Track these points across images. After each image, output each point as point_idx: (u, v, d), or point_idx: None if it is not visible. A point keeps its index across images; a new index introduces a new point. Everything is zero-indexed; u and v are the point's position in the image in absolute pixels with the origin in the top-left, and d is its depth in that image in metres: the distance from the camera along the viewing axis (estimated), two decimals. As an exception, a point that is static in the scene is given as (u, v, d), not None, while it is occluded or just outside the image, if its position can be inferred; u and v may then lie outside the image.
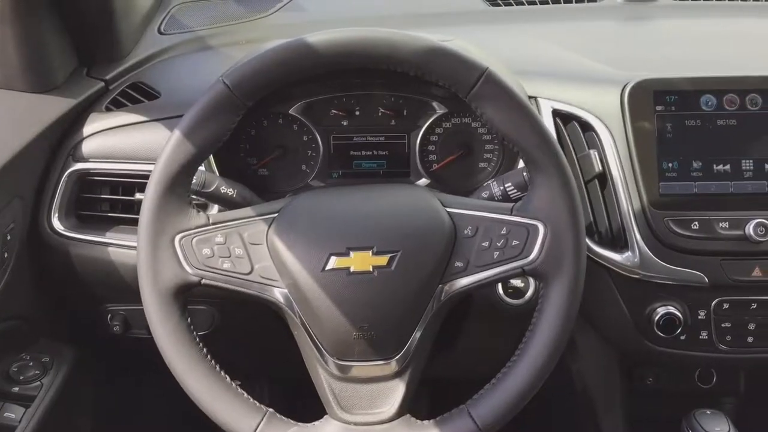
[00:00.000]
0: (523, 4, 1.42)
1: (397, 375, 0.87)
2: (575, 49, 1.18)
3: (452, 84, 0.84)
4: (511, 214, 0.86)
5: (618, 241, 1.02)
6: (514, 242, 0.85)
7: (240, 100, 0.84)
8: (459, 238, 0.87)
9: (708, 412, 1.02)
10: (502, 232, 0.86)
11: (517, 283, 1.06)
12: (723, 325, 1.02)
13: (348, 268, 0.84)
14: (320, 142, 1.15)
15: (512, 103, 0.84)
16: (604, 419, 1.12)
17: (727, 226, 1.00)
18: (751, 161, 1.02)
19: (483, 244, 0.86)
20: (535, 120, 0.84)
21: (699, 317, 1.02)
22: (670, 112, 1.03)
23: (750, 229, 0.98)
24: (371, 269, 0.84)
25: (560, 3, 1.42)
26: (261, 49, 0.85)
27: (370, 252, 0.84)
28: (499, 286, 1.07)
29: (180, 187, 0.85)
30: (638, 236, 1.01)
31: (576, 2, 1.43)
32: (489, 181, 0.99)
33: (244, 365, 1.36)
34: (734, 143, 1.02)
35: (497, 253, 0.86)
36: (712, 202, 1.01)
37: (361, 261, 0.84)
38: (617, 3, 1.40)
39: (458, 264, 0.86)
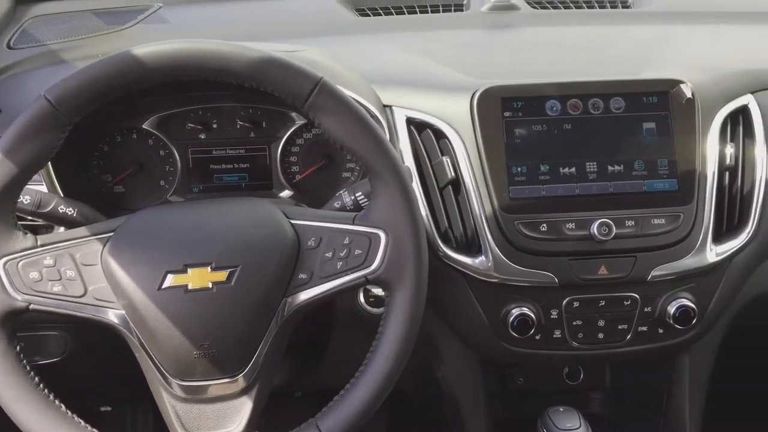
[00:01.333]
0: (391, 13, 1.44)
1: (244, 392, 0.86)
2: (438, 58, 1.20)
3: (288, 95, 0.84)
4: (353, 224, 0.86)
5: (473, 245, 1.04)
6: (357, 251, 0.85)
7: (64, 116, 0.81)
8: (302, 250, 0.86)
9: (561, 409, 1.04)
10: (345, 242, 0.86)
11: (378, 291, 1.06)
12: (574, 323, 1.05)
13: (186, 286, 0.82)
14: (177, 157, 1.13)
15: (348, 113, 0.84)
16: (470, 423, 1.13)
17: (574, 227, 1.03)
18: (594, 163, 1.05)
19: (326, 254, 0.86)
20: (371, 129, 0.85)
21: (552, 316, 1.05)
22: (517, 118, 1.05)
23: (594, 228, 1.02)
24: (210, 286, 0.82)
25: (428, 12, 1.45)
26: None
27: (209, 268, 0.82)
28: (361, 295, 1.07)
29: (2, 208, 0.81)
30: (491, 240, 1.03)
31: (443, 11, 1.46)
32: (341, 191, 0.98)
33: (112, 389, 1.31)
34: (579, 146, 1.06)
35: (341, 263, 0.85)
36: (560, 204, 1.04)
37: (199, 277, 0.82)
38: (482, 12, 1.43)
39: (302, 276, 0.85)
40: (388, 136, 1.05)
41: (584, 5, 1.47)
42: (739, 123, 1.09)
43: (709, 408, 1.14)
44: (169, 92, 1.07)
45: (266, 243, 0.85)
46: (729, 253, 1.05)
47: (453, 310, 1.08)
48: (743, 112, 1.10)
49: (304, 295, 0.85)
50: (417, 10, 1.45)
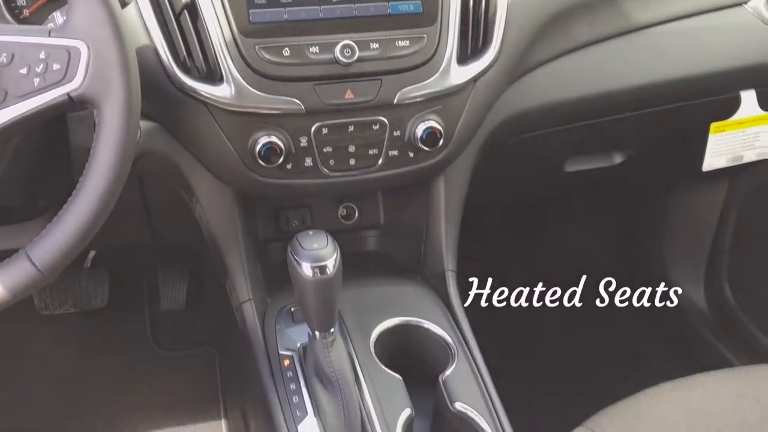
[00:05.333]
0: None
1: None
2: None
3: None
4: (49, 36, 0.79)
5: (215, 74, 0.99)
6: (55, 66, 0.79)
7: None
8: None
9: (311, 233, 1.04)
10: (41, 57, 0.79)
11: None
12: (325, 149, 1.04)
13: None
14: None
15: None
16: (231, 263, 1.11)
17: (318, 51, 1.00)
18: (338, -15, 1.02)
19: (21, 71, 0.78)
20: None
21: (301, 144, 1.03)
22: (256, -63, 0.99)
23: (337, 51, 1.00)
24: None
25: None
26: None
27: None
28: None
29: None
30: (232, 67, 0.98)
31: None
32: (55, 11, 0.90)
33: None
34: (322, -33, 1.01)
35: (38, 79, 0.79)
36: (303, 28, 1.00)
37: None
38: None
39: None
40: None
41: None
42: (484, -60, 1.09)
43: (464, 231, 1.19)
44: None
45: None
46: (473, 74, 1.07)
47: (200, 142, 1.03)
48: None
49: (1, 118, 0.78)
50: None
